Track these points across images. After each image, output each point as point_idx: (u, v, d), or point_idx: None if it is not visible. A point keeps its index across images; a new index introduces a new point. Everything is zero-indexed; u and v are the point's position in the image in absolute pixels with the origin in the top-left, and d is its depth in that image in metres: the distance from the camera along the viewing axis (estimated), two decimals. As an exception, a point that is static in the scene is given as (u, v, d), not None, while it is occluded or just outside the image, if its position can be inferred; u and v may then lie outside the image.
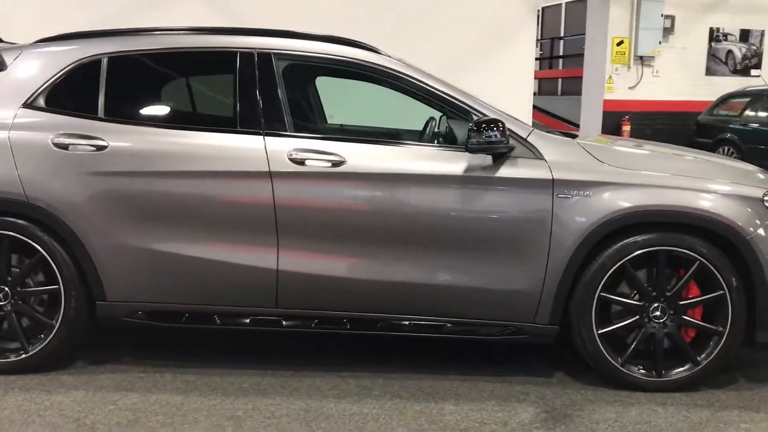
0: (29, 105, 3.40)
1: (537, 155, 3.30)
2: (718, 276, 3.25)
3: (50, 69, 3.45)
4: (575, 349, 3.40)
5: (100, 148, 3.30)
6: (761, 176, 3.55)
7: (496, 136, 3.14)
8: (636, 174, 3.29)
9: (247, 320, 3.39)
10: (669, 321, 3.32)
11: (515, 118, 3.42)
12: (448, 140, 3.64)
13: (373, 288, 3.32)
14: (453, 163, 3.27)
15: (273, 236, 3.28)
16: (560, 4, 17.03)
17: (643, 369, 3.35)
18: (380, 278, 3.31)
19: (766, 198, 3.30)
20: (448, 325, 3.38)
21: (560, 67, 17.42)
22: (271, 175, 3.25)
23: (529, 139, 3.33)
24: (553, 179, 3.25)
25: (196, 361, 3.56)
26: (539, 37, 18.59)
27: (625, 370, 3.33)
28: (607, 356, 3.32)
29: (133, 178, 3.29)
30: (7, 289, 3.36)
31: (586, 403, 3.22)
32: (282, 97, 3.38)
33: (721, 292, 3.27)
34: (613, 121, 12.77)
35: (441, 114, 3.83)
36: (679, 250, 3.25)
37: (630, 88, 12.89)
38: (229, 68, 3.42)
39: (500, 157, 3.27)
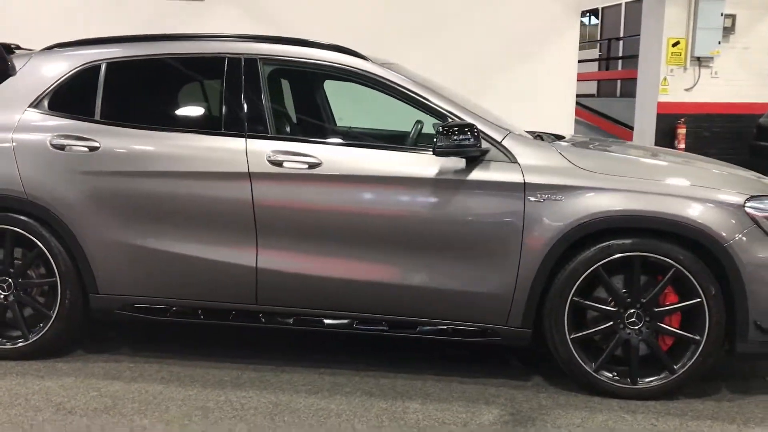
0: (34, 108, 3.63)
1: (511, 159, 3.32)
2: (695, 283, 3.19)
3: (54, 73, 3.68)
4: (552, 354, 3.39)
5: (92, 149, 3.49)
6: (755, 184, 3.44)
7: (463, 139, 3.18)
8: (610, 178, 3.26)
9: (229, 316, 3.53)
10: (645, 328, 3.27)
11: (492, 123, 3.44)
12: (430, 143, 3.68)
13: (348, 287, 3.40)
14: (426, 166, 3.32)
15: (252, 235, 3.41)
16: (620, 4, 16.65)
17: (617, 376, 3.31)
18: (354, 277, 3.39)
19: (748, 205, 3.21)
20: (423, 326, 3.43)
21: (619, 68, 17.04)
22: (250, 176, 3.38)
23: (503, 142, 3.35)
24: (524, 183, 3.26)
25: (187, 354, 3.71)
26: (599, 38, 18.28)
27: (598, 376, 3.30)
28: (580, 361, 3.30)
29: (121, 177, 3.47)
30: (10, 280, 3.59)
31: (555, 407, 3.21)
32: (265, 100, 3.50)
33: (698, 300, 3.20)
34: (667, 124, 12.43)
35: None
36: (654, 256, 3.20)
37: (686, 90, 12.51)
38: (217, 73, 3.57)
39: (474, 160, 3.30)
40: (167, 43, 3.71)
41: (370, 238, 3.37)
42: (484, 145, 3.30)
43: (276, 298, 3.47)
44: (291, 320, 3.51)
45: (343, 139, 3.68)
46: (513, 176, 3.27)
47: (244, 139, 3.44)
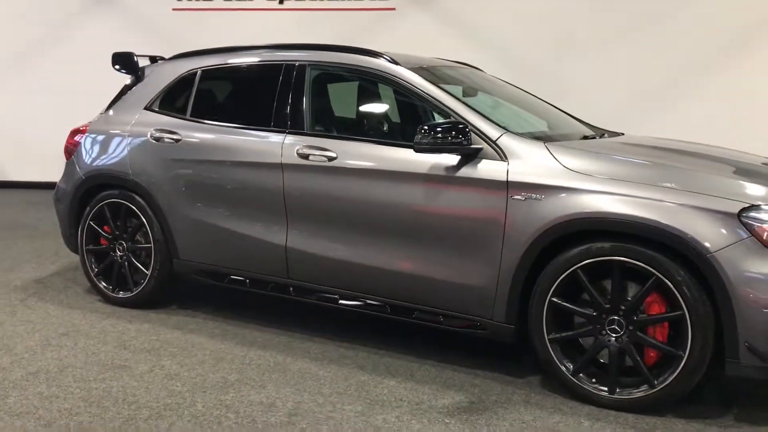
0: (148, 108, 4.54)
1: (502, 157, 3.40)
2: (677, 294, 3.00)
3: (166, 79, 4.56)
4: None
5: (177, 141, 4.29)
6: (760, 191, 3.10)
7: (443, 138, 3.34)
8: (593, 180, 3.19)
9: (268, 287, 4.08)
10: (625, 337, 3.15)
11: (492, 121, 3.53)
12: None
13: (354, 269, 3.75)
14: (422, 161, 3.54)
15: (284, 217, 3.92)
16: None
17: (596, 383, 3.23)
18: (359, 261, 3.73)
19: (744, 214, 2.93)
20: (418, 312, 3.65)
21: None
22: (282, 167, 3.90)
23: (498, 141, 3.44)
24: (507, 181, 3.33)
25: (246, 318, 4.32)
26: None
27: (575, 380, 3.25)
28: (558, 363, 3.28)
29: (192, 164, 4.22)
30: (124, 243, 4.53)
31: (519, 404, 3.24)
32: (306, 101, 3.99)
33: (680, 312, 3.01)
34: None
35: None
36: (633, 262, 3.08)
37: None
38: (274, 77, 4.13)
39: (468, 157, 3.45)
40: (242, 53, 4.38)
41: (371, 226, 3.68)
42: (479, 143, 3.43)
43: (302, 275, 3.95)
44: (314, 296, 3.95)
45: (360, 135, 4.00)
46: (498, 174, 3.36)
47: (284, 135, 3.96)
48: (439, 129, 3.37)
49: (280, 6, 9.50)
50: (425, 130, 3.38)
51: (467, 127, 3.41)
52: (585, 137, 4.03)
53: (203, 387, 3.36)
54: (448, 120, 3.46)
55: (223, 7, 9.60)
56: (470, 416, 3.11)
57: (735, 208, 2.96)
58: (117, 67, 4.73)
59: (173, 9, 9.67)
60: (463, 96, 4.39)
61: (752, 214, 2.94)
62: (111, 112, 4.72)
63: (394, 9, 9.27)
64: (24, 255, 5.86)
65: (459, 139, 3.36)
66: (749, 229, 2.92)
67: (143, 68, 4.74)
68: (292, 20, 9.45)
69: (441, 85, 3.76)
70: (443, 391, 3.37)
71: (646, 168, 3.25)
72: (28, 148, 9.58)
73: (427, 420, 3.06)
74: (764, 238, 2.91)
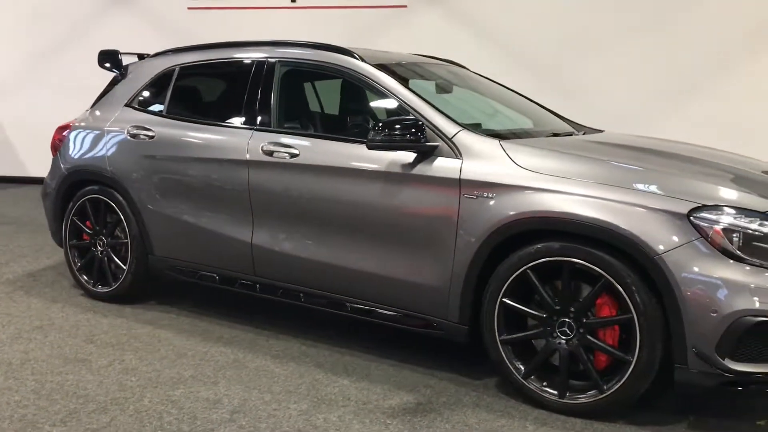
0: (128, 105, 4.59)
1: (457, 155, 3.34)
2: (626, 297, 2.91)
3: (146, 77, 4.60)
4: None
5: (150, 137, 4.33)
6: (723, 192, 2.98)
7: (394, 135, 3.30)
8: (543, 178, 3.11)
9: (236, 284, 4.09)
10: (576, 339, 3.07)
11: (451, 119, 3.47)
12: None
13: (314, 267, 3.74)
14: (378, 158, 3.49)
15: (249, 214, 3.93)
16: None
17: (547, 386, 3.15)
18: (318, 259, 3.71)
19: (694, 215, 2.83)
20: (379, 310, 3.61)
21: None
22: (248, 163, 3.90)
23: (454, 138, 3.38)
24: (460, 179, 3.27)
25: (221, 315, 4.33)
26: None
27: (526, 383, 3.18)
28: (509, 365, 3.21)
29: (163, 161, 4.25)
30: (104, 239, 4.59)
31: (468, 406, 3.18)
32: (273, 97, 3.98)
33: (629, 315, 2.92)
34: None
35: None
36: (582, 263, 2.99)
37: None
38: (247, 74, 4.13)
39: (424, 154, 3.40)
40: (218, 50, 4.39)
41: (329, 223, 3.66)
42: (436, 140, 3.38)
43: (267, 272, 3.95)
44: (278, 293, 3.94)
45: (325, 132, 3.97)
46: (452, 172, 3.30)
47: (252, 132, 3.96)
48: (391, 126, 3.32)
49: (293, 4, 9.53)
50: (378, 127, 3.34)
51: (422, 124, 3.35)
52: (555, 134, 3.94)
53: (156, 382, 3.38)
54: (401, 117, 3.42)
55: (238, 5, 9.67)
56: (413, 417, 3.06)
57: (684, 208, 2.85)
58: (103, 65, 4.79)
59: (188, 8, 9.77)
60: (437, 92, 4.35)
61: (702, 214, 2.83)
62: (95, 108, 4.79)
63: (405, 6, 9.21)
64: (23, 249, 5.99)
65: (413, 136, 3.31)
66: (699, 230, 2.82)
67: (127, 66, 4.79)
68: (305, 18, 9.47)
69: (403, 82, 3.70)
70: (394, 391, 3.33)
71: (601, 167, 3.15)
72: (47, 145, 9.80)
73: (369, 420, 3.03)
74: (714, 239, 2.80)
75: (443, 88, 4.33)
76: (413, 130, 3.31)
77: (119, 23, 9.82)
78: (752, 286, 2.75)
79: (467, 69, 4.90)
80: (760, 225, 2.83)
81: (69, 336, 3.99)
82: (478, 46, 8.97)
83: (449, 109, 4.19)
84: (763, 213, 2.87)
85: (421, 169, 3.38)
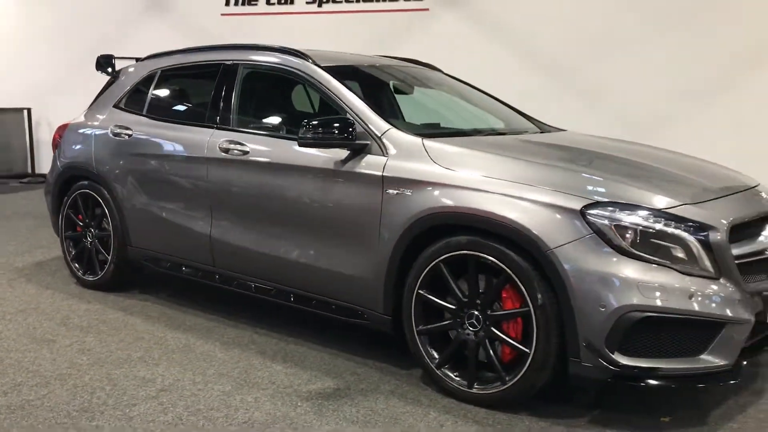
0: (115, 106, 4.91)
1: (384, 152, 3.48)
2: (524, 291, 2.99)
3: (133, 79, 4.91)
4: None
5: (129, 136, 4.62)
6: (624, 189, 3.01)
7: (323, 132, 3.45)
8: (454, 175, 3.21)
9: (199, 274, 4.34)
10: (482, 331, 3.16)
11: (380, 117, 3.60)
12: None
13: (262, 259, 3.93)
14: (315, 156, 3.66)
15: (208, 209, 4.16)
16: None
17: (459, 377, 3.25)
18: (264, 251, 3.91)
19: (589, 211, 2.88)
20: (316, 301, 3.78)
21: None
22: (207, 160, 4.14)
23: (383, 136, 3.52)
24: (383, 176, 3.41)
25: (193, 305, 4.58)
26: None
27: (439, 373, 3.29)
28: (425, 355, 3.33)
29: (137, 157, 4.54)
30: (92, 231, 4.93)
31: (383, 393, 3.30)
32: (234, 98, 4.21)
33: (527, 308, 2.99)
34: None
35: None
36: (485, 257, 3.08)
37: None
38: (215, 76, 4.37)
39: (355, 151, 3.55)
40: (194, 54, 4.66)
41: (272, 217, 3.86)
42: (367, 138, 3.52)
43: (224, 264, 4.17)
44: (234, 284, 4.16)
45: (275, 131, 4.15)
46: (376, 169, 3.44)
47: (213, 130, 4.20)
48: (320, 125, 3.48)
49: (319, 9, 9.81)
50: (307, 125, 3.50)
51: (352, 123, 3.50)
52: (498, 134, 4.03)
53: (104, 362, 3.65)
54: (330, 116, 3.56)
55: (267, 11, 10.02)
56: (325, 401, 3.21)
57: (579, 204, 2.91)
58: (99, 68, 5.13)
59: (221, 14, 10.19)
60: (396, 93, 4.49)
61: (596, 210, 2.89)
62: (90, 109, 5.13)
63: (427, 9, 9.35)
64: (41, 241, 6.42)
65: (341, 134, 3.46)
66: (592, 226, 2.87)
67: (121, 69, 5.11)
68: (331, 22, 9.73)
69: (349, 83, 3.86)
70: (320, 377, 3.49)
71: (512, 165, 3.21)
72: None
73: (281, 402, 3.20)
74: (606, 235, 2.85)
75: (402, 90, 4.46)
76: (341, 128, 3.46)
77: (155, 28, 10.32)
78: (640, 281, 2.79)
79: (441, 71, 5.00)
80: (654, 222, 2.86)
81: (46, 319, 4.32)
82: (499, 48, 9.02)
83: (409, 109, 4.35)
84: (659, 210, 2.89)
85: (351, 166, 3.53)
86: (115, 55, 5.18)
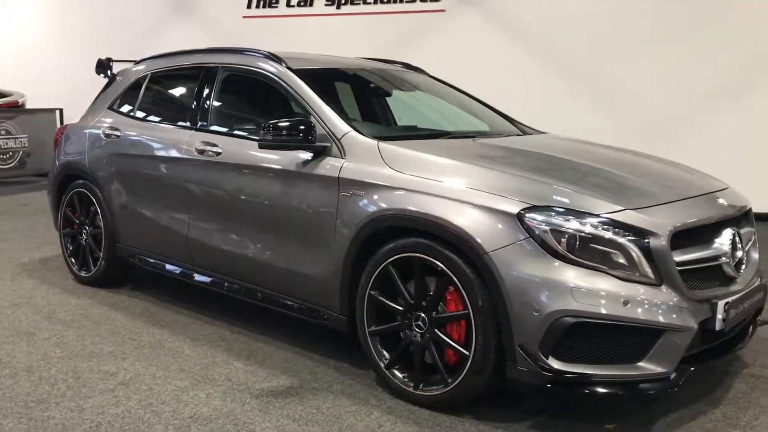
0: (109, 107, 5.07)
1: (342, 155, 3.52)
2: (464, 293, 3.00)
3: (126, 82, 5.06)
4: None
5: (117, 137, 4.77)
6: (558, 192, 2.99)
7: (283, 135, 3.51)
8: (403, 178, 3.24)
9: (179, 272, 4.45)
10: (427, 333, 3.18)
11: (341, 120, 3.64)
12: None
13: (233, 258, 4.02)
14: (280, 157, 3.73)
15: (185, 208, 4.27)
16: None
17: (407, 378, 3.27)
18: (235, 250, 3.99)
19: (527, 215, 2.87)
20: (282, 300, 3.85)
21: None
22: (184, 161, 4.25)
23: (342, 139, 3.56)
24: (338, 178, 3.45)
25: (183, 301, 4.71)
26: None
27: (388, 374, 3.31)
28: (375, 355, 3.36)
29: (123, 157, 4.68)
30: (85, 228, 5.10)
31: (334, 392, 3.34)
32: (211, 100, 4.31)
33: (467, 311, 3.00)
34: None
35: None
36: (429, 259, 3.10)
37: None
38: (196, 79, 4.49)
39: (316, 153, 3.60)
40: (180, 57, 4.78)
41: (242, 217, 3.94)
42: (326, 141, 3.57)
43: (200, 262, 4.27)
44: (209, 281, 4.26)
45: (247, 133, 4.22)
46: (334, 171, 3.49)
47: (191, 132, 4.31)
48: (278, 127, 3.54)
49: (338, 11, 9.90)
50: (266, 127, 3.57)
51: (312, 125, 3.55)
52: (467, 136, 4.04)
53: (75, 355, 3.78)
54: (290, 119, 3.60)
55: (288, 13, 10.16)
56: (274, 399, 3.27)
57: (516, 208, 2.90)
58: (98, 71, 5.30)
59: (243, 16, 10.37)
60: (374, 96, 4.53)
61: (532, 215, 2.88)
62: (88, 111, 5.31)
63: (444, 11, 9.35)
64: (54, 238, 6.61)
65: (300, 136, 3.51)
66: (528, 230, 2.86)
67: (118, 72, 5.27)
68: (349, 23, 9.82)
69: (316, 85, 3.90)
70: (277, 375, 3.55)
71: (460, 168, 3.21)
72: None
73: (230, 399, 3.27)
74: (542, 239, 2.84)
75: (380, 93, 4.50)
76: (298, 131, 3.51)
77: (182, 30, 10.57)
78: (574, 286, 2.78)
79: (427, 74, 5.02)
80: (591, 227, 2.84)
81: (34, 313, 4.49)
82: (516, 48, 8.98)
83: (385, 112, 4.39)
84: (596, 215, 2.87)
85: (311, 168, 3.58)
86: (114, 58, 5.33)
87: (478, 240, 2.91)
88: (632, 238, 2.85)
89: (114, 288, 5.01)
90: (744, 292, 3.16)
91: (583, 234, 2.83)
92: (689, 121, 8.22)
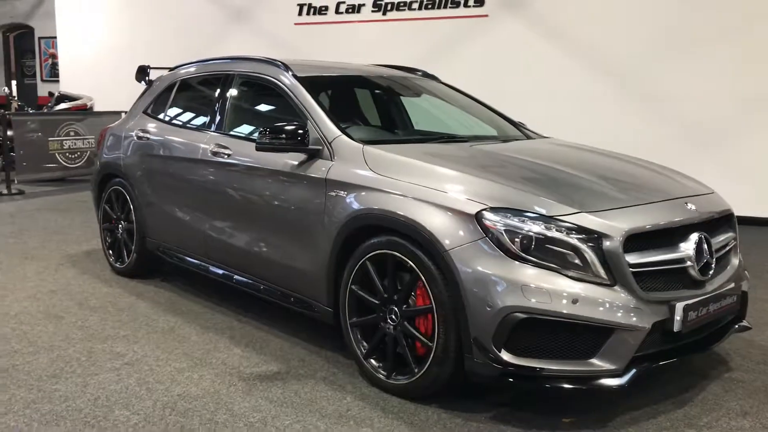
0: (144, 112, 5.47)
1: (332, 157, 3.77)
2: (428, 288, 3.19)
3: (160, 88, 5.46)
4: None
5: (148, 139, 5.16)
6: (518, 195, 3.14)
7: (278, 138, 3.77)
8: (379, 179, 3.45)
9: (199, 266, 4.79)
10: (399, 326, 3.38)
11: (333, 123, 3.88)
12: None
13: (240, 252, 4.32)
14: (277, 159, 4.00)
15: (203, 206, 4.61)
16: None
17: (381, 367, 3.48)
18: (242, 246, 4.29)
19: (485, 216, 3.04)
20: (280, 293, 4.12)
21: None
22: (202, 162, 4.58)
23: (332, 143, 3.80)
24: (326, 179, 3.70)
25: (206, 293, 5.05)
26: None
27: (365, 363, 3.53)
28: (355, 346, 3.58)
29: (151, 158, 5.06)
30: (122, 223, 5.51)
31: (316, 380, 3.57)
32: (228, 105, 4.63)
33: (431, 306, 3.19)
34: None
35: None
36: (400, 256, 3.30)
37: None
38: (217, 85, 4.83)
39: (310, 155, 3.86)
40: (206, 65, 5.13)
41: (249, 215, 4.23)
42: (319, 145, 3.83)
43: (217, 257, 4.59)
44: (221, 274, 4.57)
45: (251, 135, 4.49)
46: (322, 173, 3.73)
47: (209, 135, 4.64)
48: (275, 131, 3.81)
49: (384, 17, 10.15)
50: (264, 131, 3.84)
51: (305, 130, 3.81)
52: (452, 140, 4.23)
53: (94, 338, 4.15)
54: (285, 123, 3.85)
55: (337, 20, 10.48)
56: (259, 382, 3.54)
57: (474, 209, 3.07)
58: (137, 78, 5.72)
59: (295, 24, 10.76)
60: (374, 101, 4.76)
61: (490, 215, 3.04)
62: (127, 115, 5.73)
63: (486, 15, 9.47)
64: (102, 232, 7.15)
65: (294, 140, 3.78)
66: (484, 230, 3.03)
67: (154, 78, 5.68)
68: (395, 29, 10.06)
69: (316, 91, 4.17)
70: (268, 361, 3.82)
71: (435, 171, 3.39)
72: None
73: (220, 381, 3.55)
74: (497, 238, 3.00)
75: (379, 98, 4.72)
76: (293, 134, 3.77)
77: (238, 38, 11.06)
78: (525, 284, 2.93)
79: (438, 80, 5.21)
80: (545, 228, 2.98)
81: (68, 299, 4.91)
82: (559, 52, 9.02)
83: (391, 117, 4.61)
84: (550, 217, 3.01)
85: (304, 169, 3.84)
86: (151, 66, 5.74)
87: (440, 238, 3.10)
88: (585, 239, 2.98)
89: (145, 279, 5.40)
90: (708, 296, 3.22)
91: (536, 234, 2.98)
92: (737, 128, 8.09)
